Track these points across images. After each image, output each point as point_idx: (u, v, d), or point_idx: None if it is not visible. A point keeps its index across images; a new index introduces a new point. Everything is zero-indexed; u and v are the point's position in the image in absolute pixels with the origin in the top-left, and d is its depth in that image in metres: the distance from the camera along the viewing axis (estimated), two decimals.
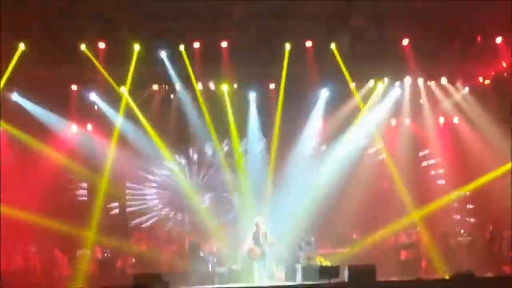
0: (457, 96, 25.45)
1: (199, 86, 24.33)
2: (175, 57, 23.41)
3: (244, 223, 23.12)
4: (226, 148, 25.92)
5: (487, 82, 25.34)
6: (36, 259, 22.92)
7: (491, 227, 23.74)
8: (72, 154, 24.63)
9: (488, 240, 23.66)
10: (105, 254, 23.32)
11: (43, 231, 23.80)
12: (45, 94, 23.06)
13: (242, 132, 25.17)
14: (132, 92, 23.86)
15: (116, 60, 22.95)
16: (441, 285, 19.41)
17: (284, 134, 25.00)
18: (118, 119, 24.09)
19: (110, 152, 24.09)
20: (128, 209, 25.67)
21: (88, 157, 24.61)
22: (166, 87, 24.47)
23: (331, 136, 25.37)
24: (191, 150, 26.09)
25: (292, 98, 24.38)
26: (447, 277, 20.47)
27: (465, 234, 24.19)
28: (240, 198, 25.23)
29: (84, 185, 25.26)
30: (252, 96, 25.07)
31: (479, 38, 23.67)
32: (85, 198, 25.09)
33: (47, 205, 24.14)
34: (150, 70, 23.66)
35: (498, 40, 23.59)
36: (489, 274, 21.09)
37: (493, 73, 25.10)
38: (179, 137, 25.33)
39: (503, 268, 22.27)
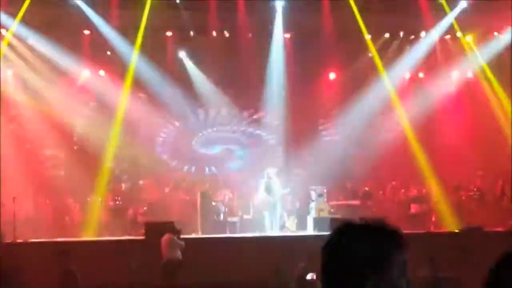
0: (473, 51, 25.25)
1: (213, 34, 24.17)
2: (189, 3, 23.17)
3: (257, 173, 23.12)
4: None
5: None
6: (47, 205, 23.02)
7: (501, 182, 23.70)
8: (84, 99, 24.58)
9: (498, 195, 23.69)
10: (117, 202, 23.38)
11: (54, 178, 23.91)
12: (58, 38, 22.93)
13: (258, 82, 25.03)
14: (145, 39, 23.65)
15: (130, 5, 22.79)
16: (451, 238, 19.53)
17: (299, 85, 24.93)
18: (131, 66, 23.94)
19: (122, 99, 24.03)
20: (140, 158, 25.55)
21: (100, 103, 24.55)
22: (181, 34, 24.23)
23: (346, 88, 25.26)
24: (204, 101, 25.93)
25: (307, 49, 24.22)
26: (456, 230, 20.59)
27: (475, 189, 24.17)
28: (253, 149, 25.25)
29: (96, 132, 25.09)
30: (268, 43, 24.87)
31: None
32: (96, 146, 24.91)
33: (57, 151, 24.26)
34: (164, 16, 23.39)
35: None
36: (498, 229, 21.17)
37: (509, 28, 24.82)
38: (192, 85, 25.21)
39: (511, 223, 22.32)
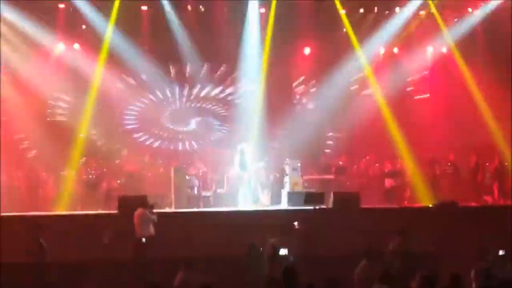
0: (446, 26, 25.29)
1: (188, 8, 23.93)
2: None
3: (231, 148, 23.04)
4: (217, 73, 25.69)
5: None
6: (20, 178, 22.83)
7: (475, 157, 23.77)
8: (59, 73, 24.32)
9: (472, 170, 23.75)
10: (90, 176, 23.20)
11: (27, 150, 23.71)
12: (32, 11, 22.62)
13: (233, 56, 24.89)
14: (120, 13, 23.37)
15: None
16: (424, 213, 19.59)
17: (275, 60, 24.86)
18: (106, 39, 23.67)
19: (97, 73, 23.79)
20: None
21: (74, 76, 24.31)
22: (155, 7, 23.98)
23: (321, 63, 25.18)
24: (180, 73, 25.66)
25: (282, 24, 24.13)
26: (430, 205, 20.65)
27: (449, 163, 24.23)
28: (228, 123, 25.14)
29: (71, 105, 24.88)
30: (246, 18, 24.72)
31: None
32: (70, 119, 24.70)
33: (31, 125, 24.00)
34: None
35: None
36: (472, 204, 21.26)
37: (481, 4, 24.85)
38: (169, 58, 24.97)
39: (485, 198, 22.46)
